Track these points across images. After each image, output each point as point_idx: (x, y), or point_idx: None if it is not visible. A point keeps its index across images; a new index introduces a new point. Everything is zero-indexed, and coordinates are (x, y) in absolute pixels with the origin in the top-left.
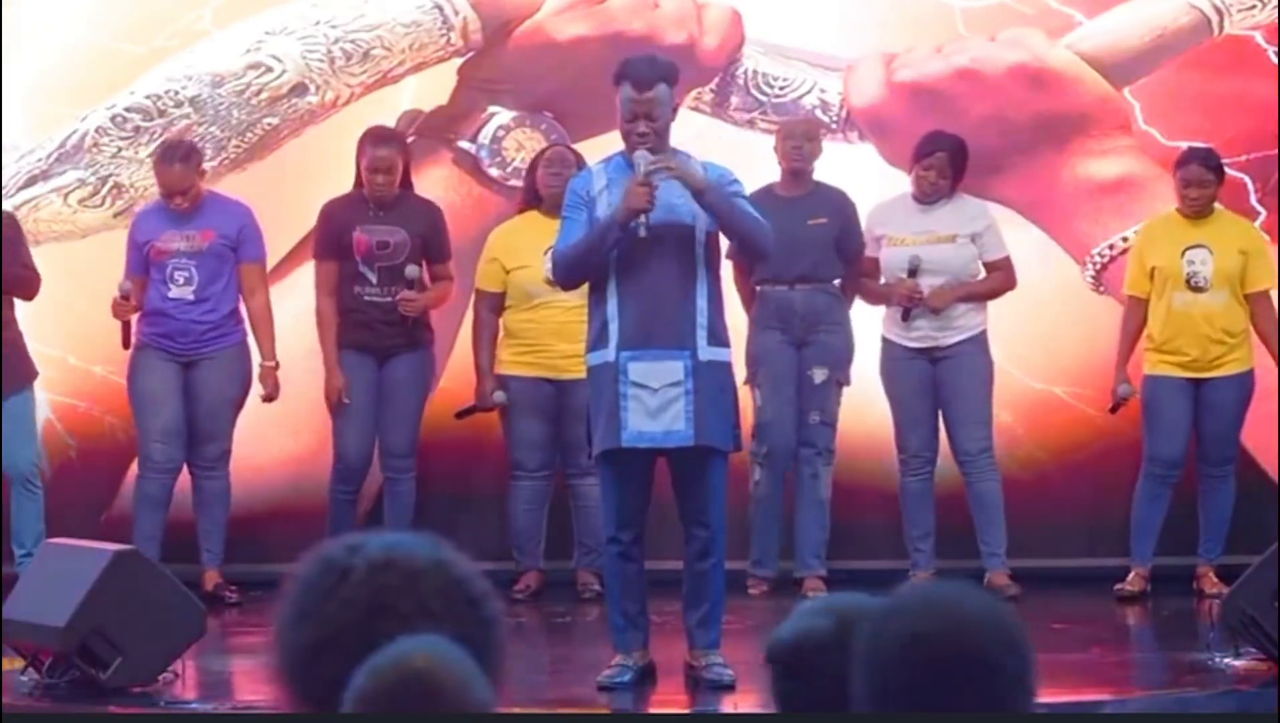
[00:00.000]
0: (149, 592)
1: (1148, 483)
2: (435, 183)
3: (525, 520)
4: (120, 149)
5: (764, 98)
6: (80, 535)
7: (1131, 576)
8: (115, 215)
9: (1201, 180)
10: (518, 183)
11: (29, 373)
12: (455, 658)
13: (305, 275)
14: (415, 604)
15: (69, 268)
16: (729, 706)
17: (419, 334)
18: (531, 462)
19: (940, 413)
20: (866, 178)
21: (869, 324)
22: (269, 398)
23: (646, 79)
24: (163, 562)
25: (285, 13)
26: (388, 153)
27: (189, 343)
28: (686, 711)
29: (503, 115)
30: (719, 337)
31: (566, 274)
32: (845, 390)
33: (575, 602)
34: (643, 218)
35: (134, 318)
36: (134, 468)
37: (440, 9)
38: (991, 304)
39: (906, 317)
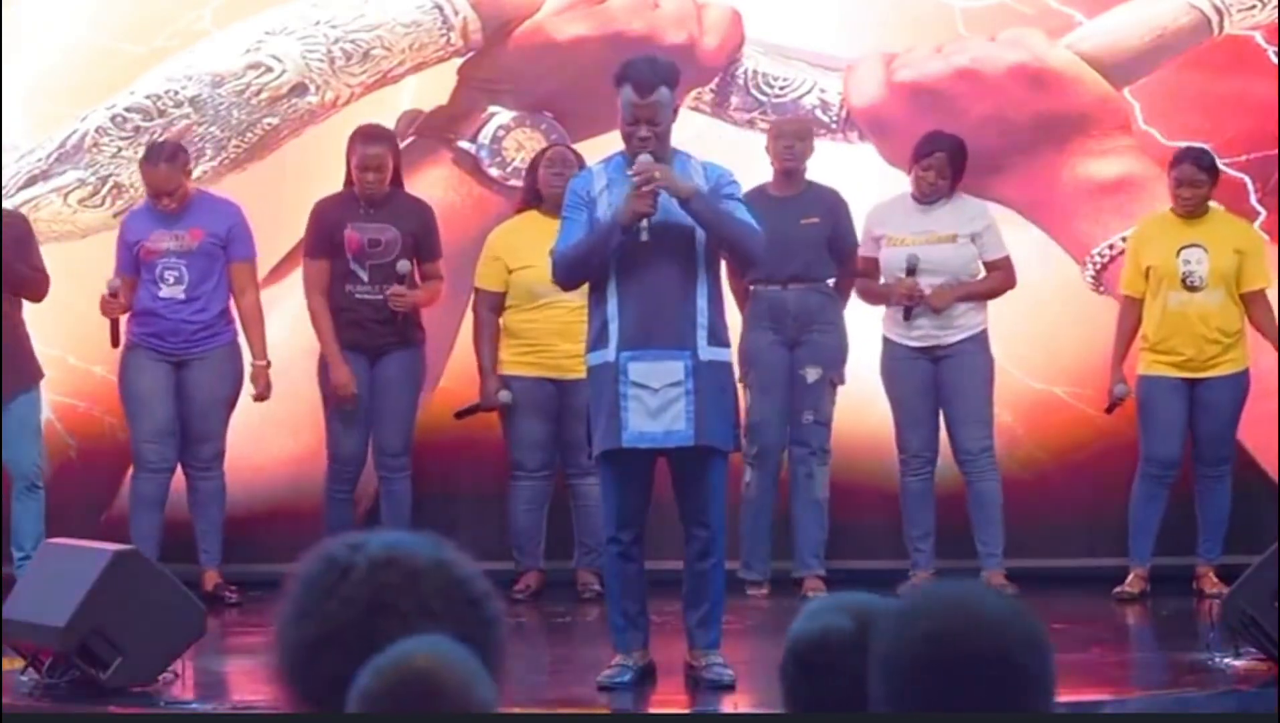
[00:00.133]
0: (149, 592)
1: (1144, 483)
2: (435, 183)
3: (525, 521)
4: (120, 149)
5: (764, 98)
6: (80, 536)
7: (1131, 577)
8: (115, 215)
9: (1194, 180)
10: (518, 183)
11: (35, 373)
12: (458, 658)
13: None
14: (416, 603)
15: (69, 268)
16: (729, 706)
17: (410, 332)
18: (532, 462)
19: (941, 412)
20: (866, 178)
21: (868, 324)
22: (260, 397)
23: (648, 83)
24: (162, 562)
25: (285, 13)
26: (378, 151)
27: (180, 343)
28: (686, 711)
29: (503, 115)
30: (719, 337)
31: (567, 274)
32: (841, 390)
33: (575, 602)
34: (645, 222)
35: (123, 317)
36: (133, 468)
37: (440, 9)
38: (991, 304)
39: (908, 316)
